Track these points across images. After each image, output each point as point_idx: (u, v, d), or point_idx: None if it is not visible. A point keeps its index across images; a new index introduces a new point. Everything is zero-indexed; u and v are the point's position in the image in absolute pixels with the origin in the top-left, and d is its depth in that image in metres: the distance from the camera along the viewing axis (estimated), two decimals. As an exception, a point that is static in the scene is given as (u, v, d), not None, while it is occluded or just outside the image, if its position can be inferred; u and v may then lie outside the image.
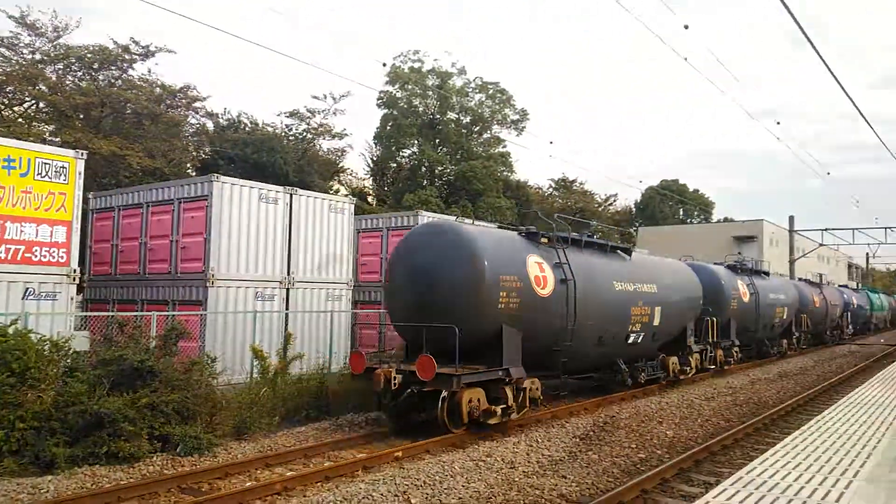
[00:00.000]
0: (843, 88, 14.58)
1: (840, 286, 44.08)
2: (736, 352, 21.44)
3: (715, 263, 22.90)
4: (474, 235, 11.61)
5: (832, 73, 13.70)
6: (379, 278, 20.59)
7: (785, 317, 26.25)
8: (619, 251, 15.87)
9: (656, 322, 15.81)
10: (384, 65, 16.78)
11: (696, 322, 18.53)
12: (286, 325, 14.74)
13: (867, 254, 65.19)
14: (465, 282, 10.99)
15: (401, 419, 11.36)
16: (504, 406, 11.09)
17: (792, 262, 43.35)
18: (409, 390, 10.72)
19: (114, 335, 11.37)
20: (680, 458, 9.80)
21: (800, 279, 34.85)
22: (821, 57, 12.83)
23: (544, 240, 13.17)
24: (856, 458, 6.75)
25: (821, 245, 46.27)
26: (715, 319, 19.65)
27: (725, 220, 69.98)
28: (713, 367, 19.79)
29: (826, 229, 43.05)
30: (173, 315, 12.53)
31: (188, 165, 30.88)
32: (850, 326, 38.58)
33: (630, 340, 15.12)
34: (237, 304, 14.06)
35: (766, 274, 26.46)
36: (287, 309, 14.97)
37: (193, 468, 9.01)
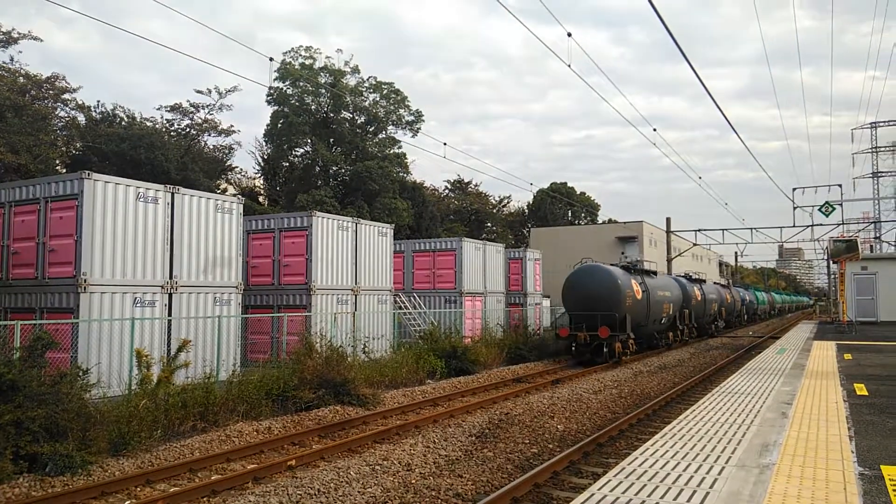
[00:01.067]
0: (714, 100, 15.66)
1: (736, 286, 56.75)
2: (694, 330, 33.51)
3: (677, 276, 35.74)
4: (614, 271, 23.24)
5: (705, 86, 14.68)
6: (271, 282, 19.95)
7: (715, 309, 38.25)
8: (653, 274, 27.90)
9: (670, 313, 28.16)
10: (271, 59, 16.21)
11: (679, 312, 29.98)
12: (169, 332, 13.95)
13: (735, 252, 70.78)
14: (614, 294, 22.51)
15: (581, 357, 22.32)
16: (626, 350, 23.05)
17: (669, 261, 46.16)
18: (595, 344, 21.81)
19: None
20: (570, 451, 10.14)
21: (714, 282, 45.19)
22: (695, 72, 13.71)
23: (632, 271, 25.08)
24: (728, 444, 7.23)
25: (695, 245, 49.57)
26: (687, 311, 31.29)
27: (610, 221, 73.53)
28: (687, 339, 31.69)
29: (699, 230, 46.13)
30: (40, 324, 11.52)
31: (57, 162, 28.60)
32: (746, 315, 53.77)
33: (661, 322, 27.41)
34: (113, 310, 13.14)
35: (704, 282, 38.82)
36: (170, 315, 14.16)
37: (66, 488, 8.32)
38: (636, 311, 23.50)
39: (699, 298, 33.70)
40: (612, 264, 24.36)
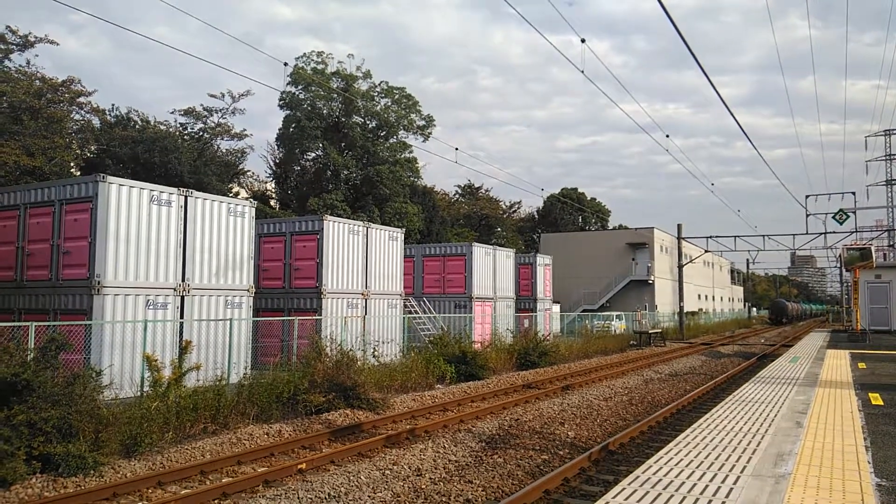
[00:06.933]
0: (727, 107, 15.59)
1: (799, 299, 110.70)
2: (794, 318, 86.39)
3: (788, 301, 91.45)
4: (786, 301, 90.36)
5: (717, 92, 14.61)
6: (282, 285, 20.01)
7: (799, 312, 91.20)
8: (794, 298, 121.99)
9: (796, 313, 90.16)
10: (285, 64, 16.30)
11: (796, 312, 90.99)
12: (181, 334, 14.01)
13: (747, 259, 70.50)
14: (785, 307, 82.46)
15: (777, 324, 77.30)
16: (789, 322, 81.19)
17: (681, 268, 45.92)
18: (781, 320, 79.62)
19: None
20: (580, 458, 10.07)
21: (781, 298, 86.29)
22: (708, 78, 13.65)
23: (787, 299, 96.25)
24: (742, 453, 7.16)
25: (706, 251, 49.29)
26: (796, 313, 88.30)
27: (620, 227, 73.25)
28: (797, 322, 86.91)
29: (711, 237, 45.95)
30: (55, 325, 11.60)
31: (72, 165, 28.86)
32: (804, 314, 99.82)
33: (796, 315, 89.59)
34: (126, 312, 13.22)
35: (789, 299, 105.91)
36: (182, 317, 14.23)
37: (78, 489, 8.34)
38: (791, 312, 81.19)
39: (796, 307, 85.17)
40: (783, 297, 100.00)
